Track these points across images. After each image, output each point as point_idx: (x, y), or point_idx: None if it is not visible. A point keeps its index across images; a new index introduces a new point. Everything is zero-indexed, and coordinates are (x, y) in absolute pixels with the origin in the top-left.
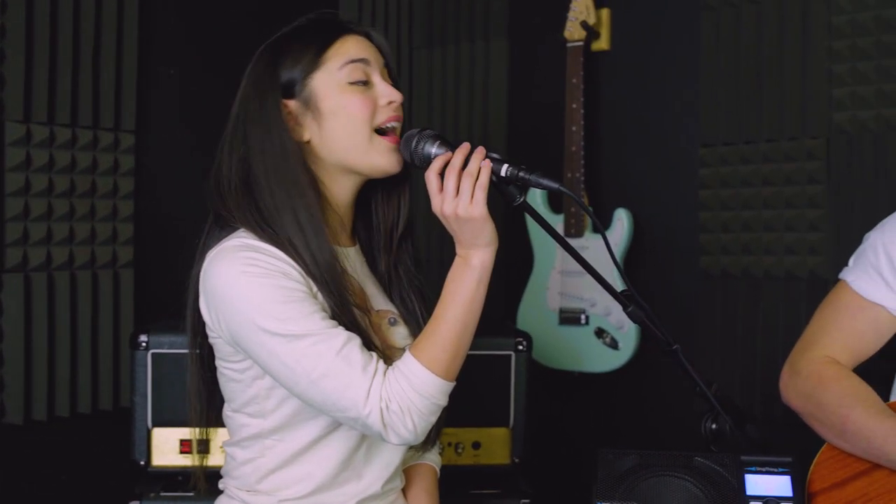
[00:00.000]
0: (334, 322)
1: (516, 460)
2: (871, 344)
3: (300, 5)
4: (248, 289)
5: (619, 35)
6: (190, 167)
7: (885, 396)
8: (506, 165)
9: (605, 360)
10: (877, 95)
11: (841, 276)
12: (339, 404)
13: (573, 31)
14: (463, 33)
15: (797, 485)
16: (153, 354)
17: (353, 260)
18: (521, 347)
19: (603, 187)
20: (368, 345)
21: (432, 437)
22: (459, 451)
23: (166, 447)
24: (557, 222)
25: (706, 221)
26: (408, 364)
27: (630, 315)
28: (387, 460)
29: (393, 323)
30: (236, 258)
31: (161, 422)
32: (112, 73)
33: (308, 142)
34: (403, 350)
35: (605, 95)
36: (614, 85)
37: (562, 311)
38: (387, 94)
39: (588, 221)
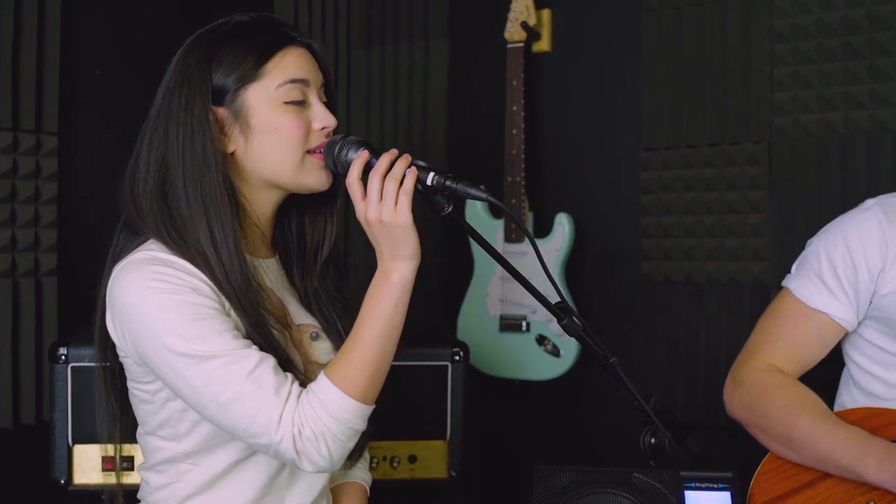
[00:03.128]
0: (247, 342)
1: (453, 474)
2: (815, 352)
3: (230, 3)
4: (155, 305)
5: (560, 36)
6: (116, 170)
7: (828, 401)
8: (432, 174)
9: (546, 368)
10: (818, 99)
11: (784, 283)
12: (249, 430)
13: (513, 32)
14: (402, 33)
15: (737, 500)
16: (73, 368)
17: (272, 272)
18: (457, 357)
19: (544, 191)
20: (286, 365)
21: (357, 451)
22: (395, 464)
23: (88, 465)
24: (497, 227)
25: (648, 226)
26: (322, 387)
27: (565, 327)
28: (310, 483)
29: (315, 337)
30: (143, 272)
31: (82, 438)
32: (33, 72)
33: (232, 153)
34: (325, 364)
35: (547, 98)
36: (556, 87)
37: (502, 318)
38: (321, 120)
39: (529, 227)
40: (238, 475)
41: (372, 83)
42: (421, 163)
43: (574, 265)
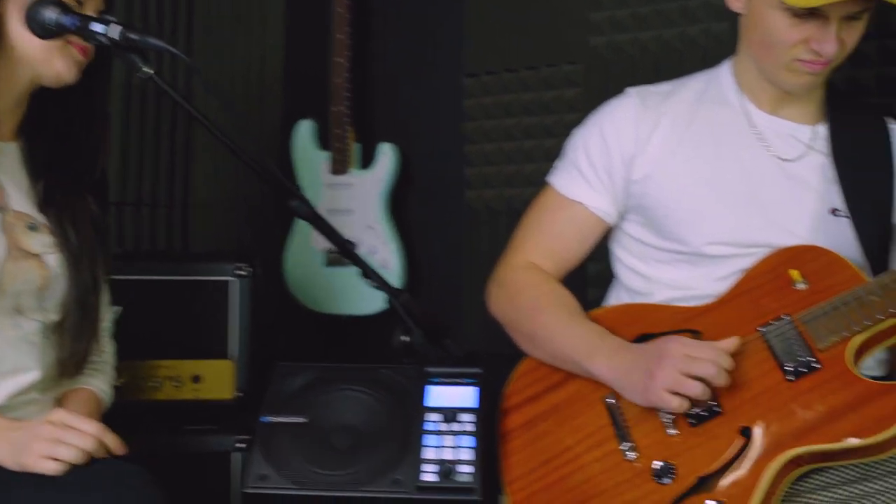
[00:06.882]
0: None
1: (239, 394)
2: (574, 246)
3: None
4: None
5: None
6: None
7: None
8: (119, 28)
9: (371, 302)
10: (633, 18)
11: (546, 178)
12: None
13: None
14: None
15: (486, 396)
16: None
17: (3, 156)
18: (240, 272)
19: (372, 121)
20: None
21: (74, 362)
22: (178, 384)
23: None
24: (324, 160)
25: (471, 154)
26: None
27: (294, 210)
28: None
29: (32, 228)
30: None
31: None
32: None
33: None
34: (38, 256)
35: (376, 28)
36: (385, 16)
37: (329, 252)
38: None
39: (354, 159)
40: None
41: (210, 15)
42: (110, 18)
43: (401, 195)
